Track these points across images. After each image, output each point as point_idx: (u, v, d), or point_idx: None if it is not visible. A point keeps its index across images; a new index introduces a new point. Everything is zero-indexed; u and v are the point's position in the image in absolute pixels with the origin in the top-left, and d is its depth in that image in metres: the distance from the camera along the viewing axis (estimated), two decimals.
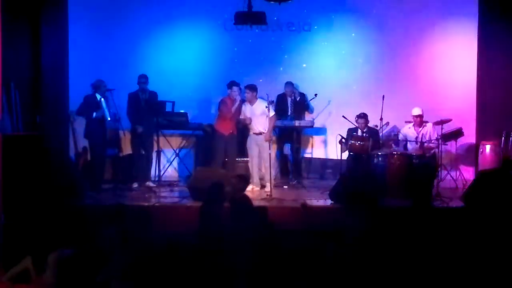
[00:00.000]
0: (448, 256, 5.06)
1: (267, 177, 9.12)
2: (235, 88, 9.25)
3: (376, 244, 5.37)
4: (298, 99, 10.03)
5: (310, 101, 10.19)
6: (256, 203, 8.36)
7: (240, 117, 9.28)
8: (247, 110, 9.18)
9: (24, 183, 7.40)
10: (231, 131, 9.32)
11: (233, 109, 9.19)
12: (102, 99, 8.99)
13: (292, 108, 10.02)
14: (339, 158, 9.34)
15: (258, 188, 9.20)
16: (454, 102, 10.30)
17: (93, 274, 4.77)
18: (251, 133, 9.23)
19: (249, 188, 9.07)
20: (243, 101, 9.27)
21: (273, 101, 9.31)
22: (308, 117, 10.33)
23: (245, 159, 9.52)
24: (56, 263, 4.95)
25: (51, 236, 6.08)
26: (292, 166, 10.01)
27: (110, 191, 8.91)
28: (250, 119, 9.17)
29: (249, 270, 4.72)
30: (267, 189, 8.89)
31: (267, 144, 9.11)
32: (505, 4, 10.00)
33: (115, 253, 4.96)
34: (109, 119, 9.06)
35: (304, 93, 10.20)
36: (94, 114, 8.92)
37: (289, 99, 10.06)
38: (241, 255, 4.86)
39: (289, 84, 10.05)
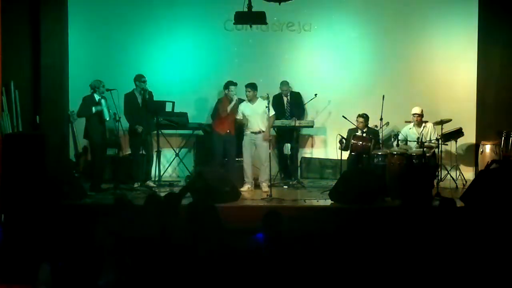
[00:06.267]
0: (448, 256, 5.07)
1: (263, 177, 9.11)
2: (232, 88, 9.25)
3: (376, 244, 5.37)
4: (291, 98, 10.05)
5: (310, 101, 10.19)
6: (255, 203, 8.44)
7: (237, 117, 9.24)
8: (248, 109, 9.16)
9: (24, 183, 7.40)
10: (227, 131, 9.32)
11: (229, 108, 9.18)
12: (102, 99, 8.98)
13: (289, 108, 10.04)
14: (339, 158, 9.34)
15: (252, 188, 9.18)
16: (454, 102, 10.29)
17: (89, 281, 4.76)
18: (247, 132, 9.20)
19: (245, 188, 9.06)
20: (240, 100, 9.27)
21: (267, 95, 9.18)
22: (307, 117, 10.34)
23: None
24: (50, 276, 4.89)
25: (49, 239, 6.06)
26: (291, 165, 10.01)
27: (110, 191, 8.93)
28: (247, 119, 9.15)
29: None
30: (266, 189, 8.89)
31: (266, 143, 9.10)
32: (505, 4, 10.00)
33: (111, 254, 4.93)
34: (108, 118, 9.06)
35: (299, 92, 10.21)
36: (94, 109, 8.90)
37: (285, 99, 10.08)
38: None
39: (284, 83, 10.07)
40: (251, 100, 9.12)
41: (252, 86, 9.11)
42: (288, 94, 10.10)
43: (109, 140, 9.72)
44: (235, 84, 9.31)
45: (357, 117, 9.50)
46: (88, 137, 9.14)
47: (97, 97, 9.00)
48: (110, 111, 9.07)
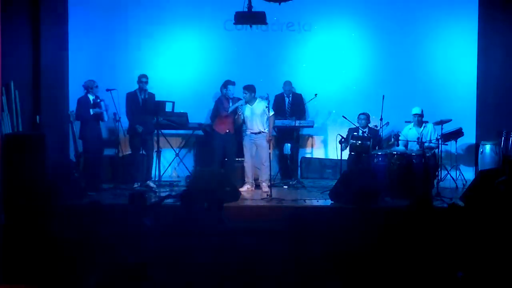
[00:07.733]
0: (448, 256, 5.07)
1: (263, 177, 9.11)
2: (230, 87, 9.25)
3: (376, 244, 5.37)
4: (293, 99, 10.05)
5: (310, 101, 10.19)
6: (255, 203, 8.44)
7: (240, 118, 9.24)
8: (247, 110, 9.16)
9: (24, 183, 7.39)
10: (227, 130, 9.32)
11: (231, 108, 9.18)
12: (101, 102, 8.96)
13: (290, 108, 10.04)
14: (339, 158, 9.35)
15: (253, 188, 9.18)
16: (454, 102, 10.30)
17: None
18: (247, 133, 9.20)
19: (244, 188, 9.06)
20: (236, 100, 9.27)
21: (267, 95, 9.18)
22: (308, 117, 10.34)
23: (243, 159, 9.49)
24: None
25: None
26: (291, 165, 10.01)
27: (110, 191, 8.92)
28: (243, 120, 9.15)
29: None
30: (266, 189, 8.89)
31: (266, 143, 9.09)
32: (505, 4, 10.00)
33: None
34: (106, 120, 9.05)
35: (300, 93, 10.23)
36: (92, 111, 8.89)
37: (286, 99, 10.09)
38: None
39: (287, 83, 10.08)
40: (249, 101, 9.11)
41: (249, 88, 9.09)
42: (290, 94, 10.10)
43: (108, 140, 9.71)
44: (233, 83, 9.31)
45: (358, 118, 9.52)
46: (82, 138, 9.11)
47: (91, 97, 8.98)
48: (109, 111, 9.07)
